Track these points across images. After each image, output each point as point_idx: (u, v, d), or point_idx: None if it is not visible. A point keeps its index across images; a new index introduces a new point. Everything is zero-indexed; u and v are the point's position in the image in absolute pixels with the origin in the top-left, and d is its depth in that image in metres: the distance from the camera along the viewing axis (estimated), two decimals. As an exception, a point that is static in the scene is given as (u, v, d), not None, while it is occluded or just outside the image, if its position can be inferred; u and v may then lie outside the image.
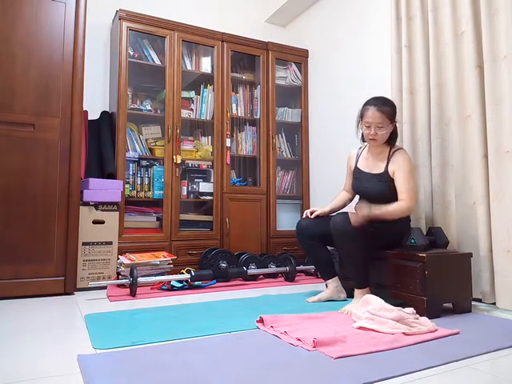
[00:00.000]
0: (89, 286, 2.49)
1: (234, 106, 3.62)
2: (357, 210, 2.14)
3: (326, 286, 2.42)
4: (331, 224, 2.17)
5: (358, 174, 2.43)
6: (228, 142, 3.48)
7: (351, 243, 2.11)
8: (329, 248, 2.44)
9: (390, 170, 2.27)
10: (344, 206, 2.56)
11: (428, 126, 2.63)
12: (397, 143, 2.39)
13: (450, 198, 2.49)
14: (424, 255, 1.99)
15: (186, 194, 3.37)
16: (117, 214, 2.83)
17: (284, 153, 3.86)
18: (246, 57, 3.78)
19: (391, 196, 2.27)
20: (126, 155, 3.11)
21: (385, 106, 2.24)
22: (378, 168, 2.33)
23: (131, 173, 3.19)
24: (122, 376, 1.24)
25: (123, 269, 2.72)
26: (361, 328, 1.72)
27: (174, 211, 3.21)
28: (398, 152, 2.30)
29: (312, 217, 2.44)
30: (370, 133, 2.25)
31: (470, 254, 2.16)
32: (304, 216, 2.49)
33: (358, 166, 2.44)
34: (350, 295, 2.32)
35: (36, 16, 2.52)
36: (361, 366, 1.33)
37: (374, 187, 2.31)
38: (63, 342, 1.60)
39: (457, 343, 1.57)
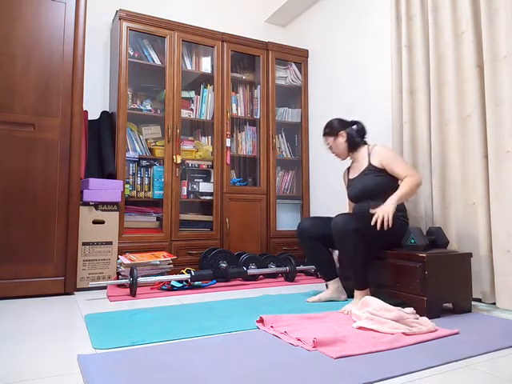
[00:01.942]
0: (89, 286, 2.49)
1: (234, 105, 3.62)
2: (379, 210, 2.16)
3: (327, 286, 2.42)
4: (332, 224, 2.18)
5: (350, 183, 2.51)
6: (228, 142, 3.48)
7: (351, 244, 2.11)
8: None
9: (375, 161, 2.37)
10: None
11: (428, 126, 2.63)
12: (372, 144, 2.47)
13: (449, 198, 2.49)
14: (424, 255, 1.99)
15: (186, 193, 3.37)
16: (117, 214, 2.83)
17: (284, 153, 3.86)
18: (246, 57, 3.78)
19: (382, 186, 2.33)
20: (126, 155, 3.11)
21: (324, 129, 2.55)
22: (362, 166, 2.43)
23: (131, 173, 3.19)
24: (122, 376, 1.24)
25: (123, 269, 2.72)
26: (361, 328, 1.72)
27: (174, 211, 3.21)
28: (375, 146, 2.44)
29: None
30: (332, 153, 2.57)
31: (470, 254, 2.16)
32: None
33: (349, 177, 2.54)
34: (351, 295, 2.32)
35: (36, 16, 2.53)
36: (361, 366, 1.33)
37: (363, 182, 2.38)
38: (63, 342, 1.60)
39: (457, 343, 1.57)
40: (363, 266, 2.15)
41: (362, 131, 2.50)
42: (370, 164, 2.38)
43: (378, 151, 2.38)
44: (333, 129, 2.51)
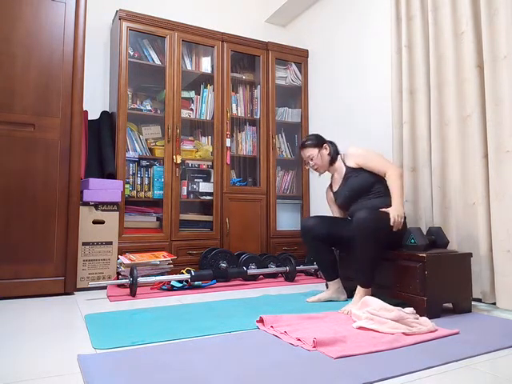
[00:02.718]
0: (89, 285, 2.49)
1: (234, 105, 3.62)
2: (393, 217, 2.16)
3: (327, 286, 2.42)
4: (355, 220, 2.12)
5: (336, 195, 2.52)
6: (228, 142, 3.48)
7: (372, 241, 2.08)
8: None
9: (350, 163, 2.41)
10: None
11: (428, 126, 2.63)
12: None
13: (449, 198, 2.49)
14: (424, 255, 1.99)
15: (186, 193, 3.37)
16: (117, 213, 2.83)
17: (284, 153, 3.86)
18: (246, 57, 3.78)
19: (369, 181, 2.35)
20: (126, 155, 3.11)
21: (306, 142, 2.53)
22: (342, 174, 2.46)
23: (131, 173, 3.19)
24: (122, 376, 1.24)
25: (123, 269, 2.71)
26: (360, 328, 1.72)
27: (174, 211, 3.21)
28: (346, 153, 2.48)
29: None
30: (309, 166, 2.54)
31: (470, 254, 2.16)
32: None
33: (333, 191, 2.55)
34: (351, 296, 2.31)
35: (36, 16, 2.52)
36: (361, 366, 1.33)
37: (347, 187, 2.40)
38: (63, 342, 1.60)
39: (457, 343, 1.57)
40: (375, 264, 2.14)
41: (336, 151, 2.53)
42: (347, 167, 2.42)
43: (351, 153, 2.43)
44: (316, 141, 2.52)
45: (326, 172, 2.57)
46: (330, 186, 2.60)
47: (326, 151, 2.50)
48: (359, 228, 2.11)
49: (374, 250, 2.10)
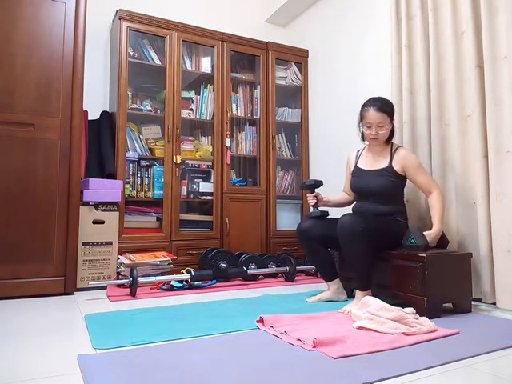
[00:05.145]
0: (89, 286, 2.48)
1: (234, 105, 3.62)
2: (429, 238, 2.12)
3: (328, 286, 2.42)
4: (339, 224, 2.15)
5: (358, 173, 2.44)
6: (228, 142, 3.48)
7: (358, 244, 2.09)
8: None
9: (397, 166, 2.31)
10: (345, 203, 2.60)
11: (428, 125, 2.63)
12: (396, 143, 2.44)
13: (450, 198, 2.49)
14: (424, 255, 1.99)
15: (185, 194, 3.37)
16: (117, 213, 2.83)
17: (284, 153, 3.86)
18: (246, 57, 3.78)
19: (393, 190, 2.31)
20: (126, 155, 3.11)
21: (384, 106, 2.30)
22: (380, 164, 2.36)
23: (131, 173, 3.19)
24: (122, 376, 1.24)
25: (123, 269, 2.71)
26: (360, 328, 1.72)
27: (173, 211, 3.21)
28: (400, 149, 2.36)
29: (313, 201, 2.48)
30: (371, 133, 2.32)
31: (470, 254, 2.16)
32: (311, 201, 2.49)
33: (358, 165, 2.47)
34: (351, 295, 2.31)
35: (36, 16, 2.52)
36: (361, 365, 1.33)
37: (377, 182, 2.32)
38: (63, 341, 1.60)
39: (457, 343, 1.57)
40: (368, 267, 2.14)
41: (393, 131, 2.40)
42: (390, 166, 2.31)
43: (404, 157, 2.30)
44: (392, 112, 2.34)
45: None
46: (357, 156, 2.49)
47: (391, 126, 2.34)
48: (343, 231, 2.12)
49: (362, 252, 2.10)
